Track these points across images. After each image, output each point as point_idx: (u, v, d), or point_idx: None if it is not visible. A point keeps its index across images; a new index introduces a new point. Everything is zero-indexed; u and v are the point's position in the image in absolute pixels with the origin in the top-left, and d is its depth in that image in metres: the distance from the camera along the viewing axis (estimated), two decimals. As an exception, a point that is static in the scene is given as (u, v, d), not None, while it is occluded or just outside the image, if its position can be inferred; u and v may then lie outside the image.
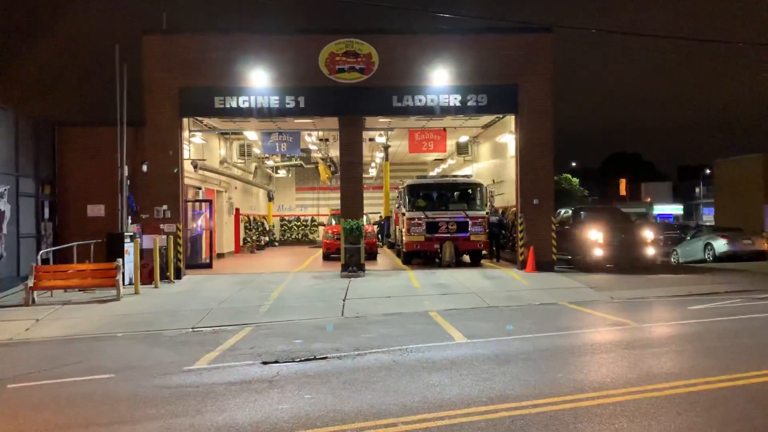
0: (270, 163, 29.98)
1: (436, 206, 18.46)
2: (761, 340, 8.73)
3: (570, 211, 19.38)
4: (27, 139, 15.99)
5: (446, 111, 17.16)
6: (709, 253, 22.05)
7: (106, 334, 10.27)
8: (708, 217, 54.24)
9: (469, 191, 19.09)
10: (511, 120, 17.88)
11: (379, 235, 26.42)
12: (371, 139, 22.84)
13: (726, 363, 7.32)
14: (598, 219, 17.96)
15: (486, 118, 19.93)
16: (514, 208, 17.96)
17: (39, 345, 9.74)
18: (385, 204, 26.82)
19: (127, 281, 14.30)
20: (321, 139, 23.63)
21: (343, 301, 12.72)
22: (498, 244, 19.46)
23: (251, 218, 28.81)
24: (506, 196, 19.67)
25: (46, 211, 16.71)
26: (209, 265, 18.83)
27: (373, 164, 31.60)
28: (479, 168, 23.96)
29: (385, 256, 22.57)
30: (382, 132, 21.57)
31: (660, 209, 67.39)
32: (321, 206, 34.54)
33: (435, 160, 30.33)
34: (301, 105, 16.76)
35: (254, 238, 28.53)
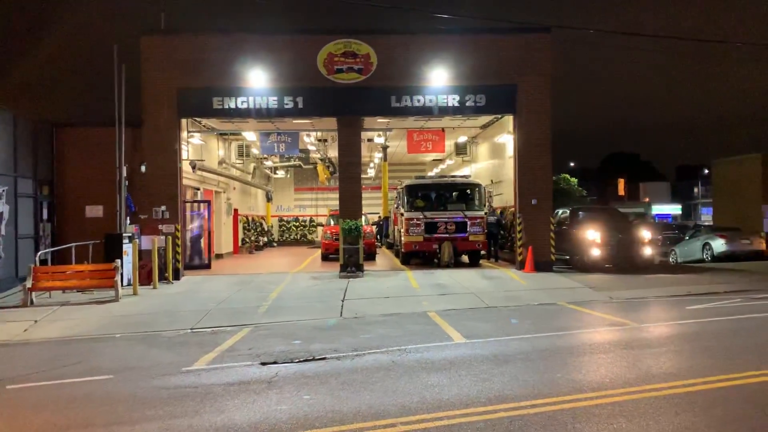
0: (268, 163, 29.97)
1: (435, 206, 18.45)
2: (759, 340, 8.74)
3: (568, 212, 19.41)
4: (25, 139, 15.97)
5: (445, 111, 17.19)
6: (707, 253, 22.08)
7: (105, 335, 10.27)
8: (706, 217, 54.26)
9: (468, 191, 19.10)
10: (509, 120, 17.90)
11: (378, 236, 26.41)
12: (370, 140, 22.87)
13: (724, 363, 7.34)
14: (595, 219, 18.01)
15: (484, 119, 19.95)
16: (513, 208, 17.97)
17: (38, 346, 9.73)
18: (383, 204, 26.81)
19: (125, 282, 14.29)
20: (319, 140, 23.63)
21: (342, 301, 12.72)
22: (497, 244, 19.50)
23: (250, 219, 28.77)
24: (505, 197, 19.68)
25: (45, 211, 16.68)
26: (208, 266, 18.84)
27: (371, 164, 31.61)
28: (478, 168, 23.96)
29: (384, 257, 22.57)
30: (381, 132, 21.57)
31: (658, 209, 67.39)
32: (319, 207, 34.55)
33: (433, 160, 30.35)
34: (300, 105, 16.77)
35: (253, 238, 28.52)
